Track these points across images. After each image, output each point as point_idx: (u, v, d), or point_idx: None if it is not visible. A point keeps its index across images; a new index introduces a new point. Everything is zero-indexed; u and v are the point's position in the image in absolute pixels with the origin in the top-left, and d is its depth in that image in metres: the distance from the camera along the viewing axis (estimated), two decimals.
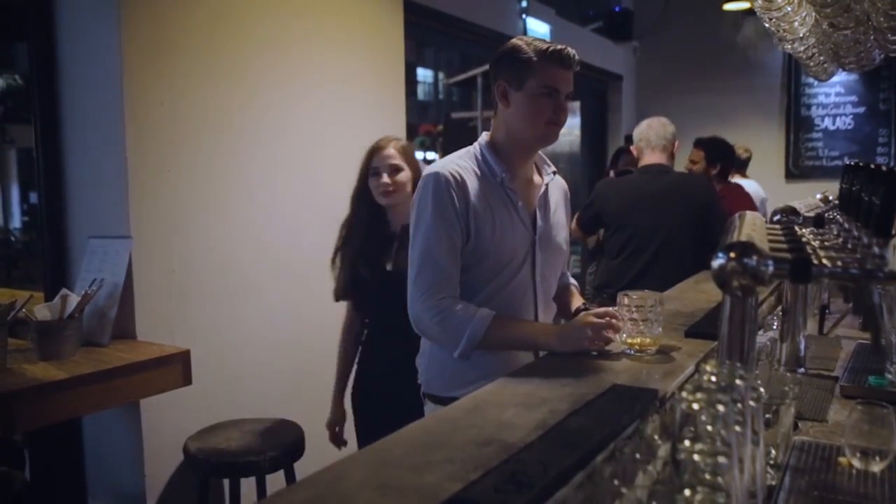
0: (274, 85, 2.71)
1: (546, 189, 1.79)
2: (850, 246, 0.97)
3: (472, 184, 1.65)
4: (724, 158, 4.02)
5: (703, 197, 3.04)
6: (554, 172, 1.84)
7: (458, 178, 1.64)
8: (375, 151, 2.14)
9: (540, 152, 1.84)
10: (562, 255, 1.86)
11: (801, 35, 2.98)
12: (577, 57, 1.67)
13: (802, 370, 1.69)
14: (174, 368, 2.02)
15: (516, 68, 1.65)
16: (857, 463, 1.15)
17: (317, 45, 2.90)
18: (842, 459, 1.19)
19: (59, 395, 1.75)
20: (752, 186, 4.43)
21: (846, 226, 1.05)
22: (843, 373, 1.72)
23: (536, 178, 1.80)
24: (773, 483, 1.09)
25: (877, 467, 1.14)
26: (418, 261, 1.62)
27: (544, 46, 1.65)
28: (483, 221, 1.64)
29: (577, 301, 1.90)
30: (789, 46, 3.10)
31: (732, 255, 0.81)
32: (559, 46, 1.65)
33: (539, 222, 1.76)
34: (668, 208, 2.96)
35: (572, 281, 2.01)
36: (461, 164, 1.68)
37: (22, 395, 1.69)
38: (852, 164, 1.11)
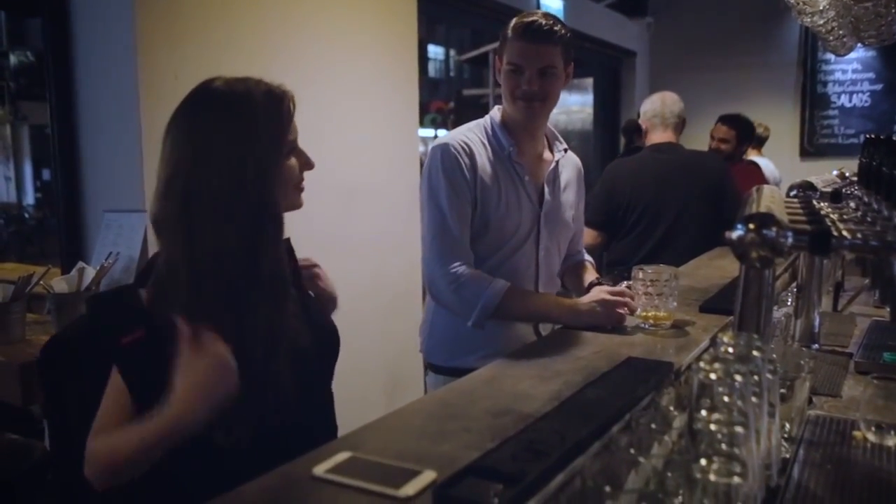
0: (287, 60, 2.70)
1: (556, 165, 1.79)
2: (869, 219, 0.97)
3: (480, 155, 1.66)
4: (750, 138, 4.00)
5: (716, 174, 3.02)
6: (565, 149, 1.83)
7: (467, 148, 1.65)
8: None
9: (552, 128, 1.84)
10: (568, 232, 1.86)
11: (822, 7, 2.94)
12: (556, 28, 1.64)
13: (816, 346, 1.69)
14: None
15: (499, 45, 1.69)
16: (871, 437, 1.16)
17: (330, 20, 2.88)
18: (856, 433, 1.19)
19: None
20: (767, 166, 4.39)
21: (866, 199, 1.05)
22: (858, 349, 1.72)
23: (547, 154, 1.80)
24: (788, 456, 1.09)
25: (892, 441, 1.14)
26: (434, 228, 1.64)
27: (518, 21, 1.64)
28: (489, 193, 1.65)
29: (591, 276, 1.89)
30: (808, 20, 3.05)
31: (751, 226, 0.81)
32: (529, 20, 1.64)
33: (547, 198, 1.76)
34: (679, 186, 2.94)
35: (588, 258, 2.02)
36: (470, 136, 1.69)
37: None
38: (873, 137, 1.10)
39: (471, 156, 1.65)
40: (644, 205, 2.99)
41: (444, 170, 1.64)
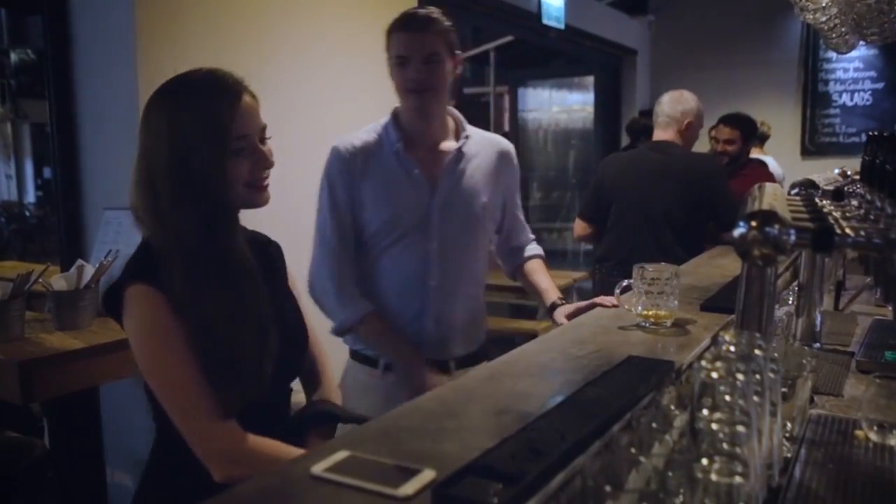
0: (287, 56, 2.69)
1: (459, 154, 1.77)
2: (872, 217, 0.96)
3: (371, 154, 1.73)
4: (754, 136, 3.98)
5: (704, 175, 2.97)
6: (467, 136, 1.80)
7: (350, 152, 1.72)
8: None
9: (458, 115, 1.84)
10: (482, 222, 1.82)
11: (824, 4, 2.93)
12: (436, 17, 1.68)
13: (818, 345, 1.68)
14: None
15: (386, 46, 1.76)
16: (873, 436, 1.15)
17: (330, 17, 2.87)
18: (858, 433, 1.18)
19: (76, 364, 1.77)
20: (772, 164, 4.38)
21: (868, 197, 1.04)
22: (859, 348, 1.71)
23: (448, 143, 1.79)
24: (789, 455, 1.08)
25: (894, 441, 1.14)
26: (317, 234, 1.75)
27: (399, 15, 1.71)
28: (375, 192, 1.71)
29: (551, 293, 1.88)
30: (810, 16, 3.04)
31: (754, 223, 0.80)
32: (410, 12, 1.70)
33: (442, 189, 1.75)
34: (664, 184, 2.92)
35: (538, 252, 2.01)
36: (363, 136, 1.76)
37: (40, 364, 1.71)
38: (876, 134, 1.10)
39: (354, 157, 1.71)
40: (628, 200, 2.98)
41: (328, 175, 1.74)
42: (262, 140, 1.24)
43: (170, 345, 1.14)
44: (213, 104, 1.18)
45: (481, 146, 1.82)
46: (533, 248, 2.00)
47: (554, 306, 1.81)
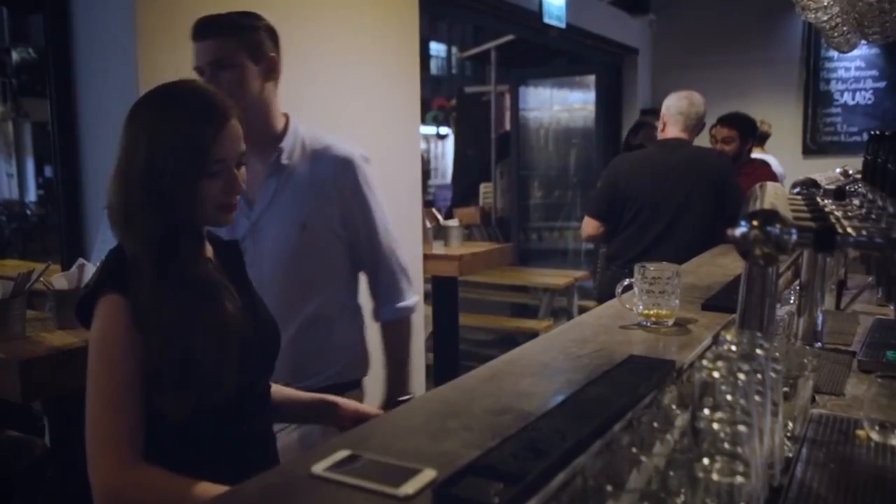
0: (288, 58, 2.69)
1: (276, 167, 1.63)
2: (874, 216, 0.96)
3: None
4: (753, 135, 3.98)
5: (719, 171, 3.02)
6: (281, 149, 1.64)
7: None
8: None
9: (294, 124, 1.70)
10: (292, 250, 1.61)
11: (826, 3, 2.93)
12: (229, 19, 1.56)
13: (819, 345, 1.68)
14: None
15: None
16: (875, 436, 1.15)
17: (332, 18, 2.87)
18: (860, 432, 1.18)
19: (77, 362, 1.76)
20: (774, 164, 4.39)
21: (870, 196, 1.04)
22: (861, 348, 1.71)
23: (265, 157, 1.64)
24: (791, 455, 1.08)
25: (895, 440, 1.14)
26: None
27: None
28: None
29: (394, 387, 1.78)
30: (812, 15, 3.04)
31: (755, 222, 0.80)
32: (202, 17, 1.57)
33: (256, 207, 1.61)
34: (681, 181, 2.94)
35: (398, 315, 1.80)
36: None
37: (41, 363, 1.71)
38: (878, 133, 1.10)
39: None
40: (643, 199, 2.99)
41: None
42: (239, 165, 1.24)
43: (117, 360, 1.15)
44: (197, 126, 1.18)
45: (313, 159, 1.63)
46: (407, 308, 1.82)
47: (390, 401, 1.69)
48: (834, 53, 6.07)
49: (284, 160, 1.63)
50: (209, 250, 1.30)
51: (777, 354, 0.89)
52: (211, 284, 1.21)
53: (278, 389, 1.44)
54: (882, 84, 6.25)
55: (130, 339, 1.14)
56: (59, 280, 1.98)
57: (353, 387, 1.78)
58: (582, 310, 4.83)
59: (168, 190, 1.16)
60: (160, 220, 1.16)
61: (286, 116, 1.72)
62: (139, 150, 1.17)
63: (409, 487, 0.73)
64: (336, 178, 1.66)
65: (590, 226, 3.24)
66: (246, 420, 1.29)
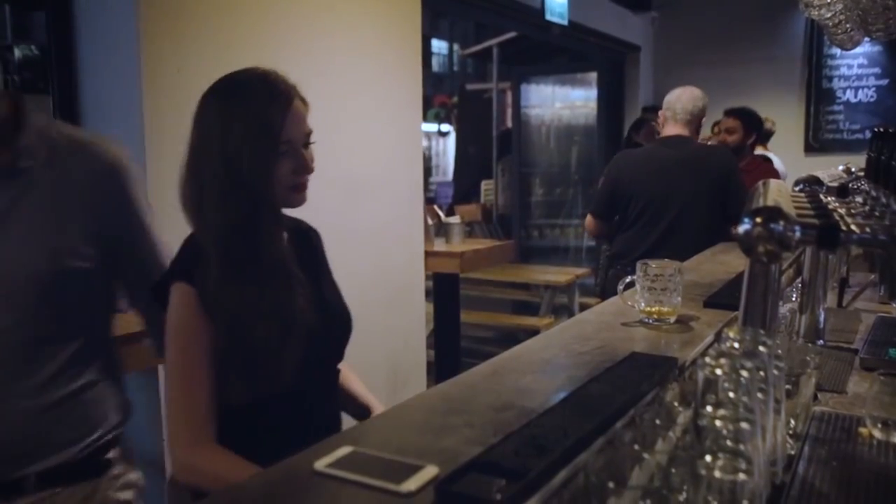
0: (291, 54, 2.69)
1: (7, 178, 1.23)
2: (877, 213, 0.96)
3: None
4: (758, 129, 3.99)
5: (723, 168, 3.01)
6: (15, 157, 1.24)
7: None
8: None
9: (29, 122, 1.27)
10: (20, 286, 1.19)
11: (829, 0, 2.92)
12: None
13: (821, 342, 1.68)
14: None
15: None
16: (877, 434, 1.15)
17: (334, 15, 2.87)
18: (862, 430, 1.18)
19: None
20: (774, 161, 4.39)
21: (873, 193, 1.04)
22: (863, 345, 1.70)
23: None
24: (793, 452, 1.08)
25: None
26: None
27: None
28: None
29: None
30: (815, 12, 3.04)
31: (759, 220, 0.80)
32: None
33: None
34: (685, 178, 2.94)
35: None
36: None
37: None
38: (881, 130, 1.09)
39: None
40: (648, 197, 2.99)
41: None
42: (306, 145, 1.28)
43: (189, 346, 1.21)
44: (265, 109, 1.22)
45: (63, 161, 1.26)
46: None
47: None
48: (836, 51, 6.06)
49: (24, 162, 1.23)
50: (284, 237, 1.34)
51: (780, 351, 0.89)
52: (280, 271, 1.26)
53: (344, 377, 1.50)
54: (884, 82, 6.24)
55: (199, 325, 1.20)
56: None
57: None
58: (583, 307, 4.83)
59: (245, 174, 1.20)
60: (235, 206, 1.21)
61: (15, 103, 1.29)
62: (212, 141, 1.21)
63: (412, 484, 0.73)
64: (97, 184, 1.30)
65: (591, 224, 3.27)
66: (310, 407, 1.32)
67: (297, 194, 1.29)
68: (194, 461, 1.19)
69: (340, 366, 1.44)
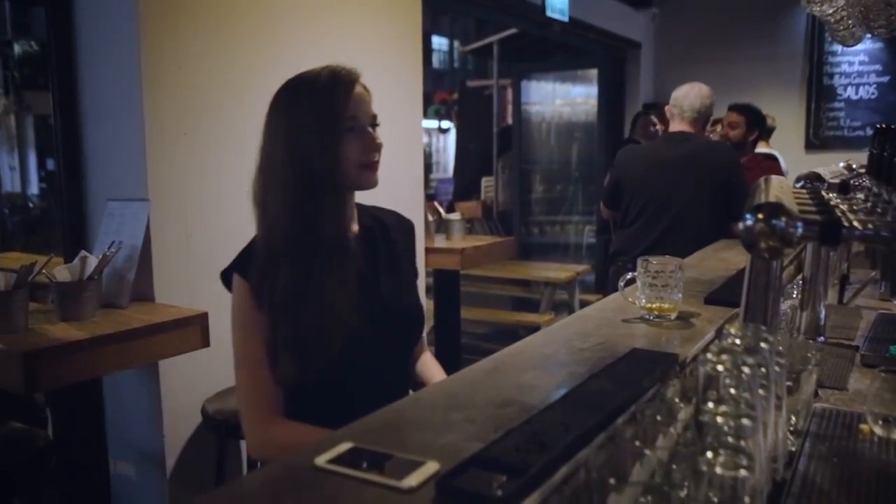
0: (291, 51, 2.68)
1: None
2: (879, 209, 0.95)
3: None
4: (761, 126, 3.99)
5: (725, 165, 3.00)
6: None
7: None
8: None
9: None
10: None
11: None
12: None
13: (822, 339, 1.68)
14: (192, 330, 2.03)
15: None
16: (878, 430, 1.15)
17: (335, 11, 2.86)
18: (863, 427, 1.18)
19: (79, 354, 1.76)
20: (779, 158, 4.39)
21: (876, 189, 1.03)
22: (864, 342, 1.71)
23: None
24: (794, 449, 1.08)
25: None
26: None
27: None
28: None
29: None
30: (817, 9, 3.03)
31: (761, 216, 0.79)
32: None
33: None
34: (687, 176, 2.93)
35: None
36: None
37: (43, 355, 1.71)
38: (883, 126, 1.09)
39: None
40: (649, 195, 2.98)
41: None
42: (373, 126, 1.37)
43: (247, 334, 1.33)
44: (329, 90, 1.31)
45: None
46: None
47: None
48: (837, 48, 6.05)
49: None
50: (353, 229, 1.41)
51: (780, 348, 0.89)
52: (332, 263, 1.31)
53: (424, 365, 1.59)
54: (886, 79, 6.23)
55: (254, 316, 1.32)
56: (62, 272, 1.98)
57: None
58: (583, 304, 4.82)
59: (311, 156, 1.27)
60: (295, 193, 1.28)
61: None
62: (280, 126, 1.31)
63: (413, 480, 0.73)
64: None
65: (605, 212, 3.39)
66: (351, 397, 1.36)
67: (368, 173, 1.35)
68: (270, 436, 1.30)
69: (424, 355, 1.54)
